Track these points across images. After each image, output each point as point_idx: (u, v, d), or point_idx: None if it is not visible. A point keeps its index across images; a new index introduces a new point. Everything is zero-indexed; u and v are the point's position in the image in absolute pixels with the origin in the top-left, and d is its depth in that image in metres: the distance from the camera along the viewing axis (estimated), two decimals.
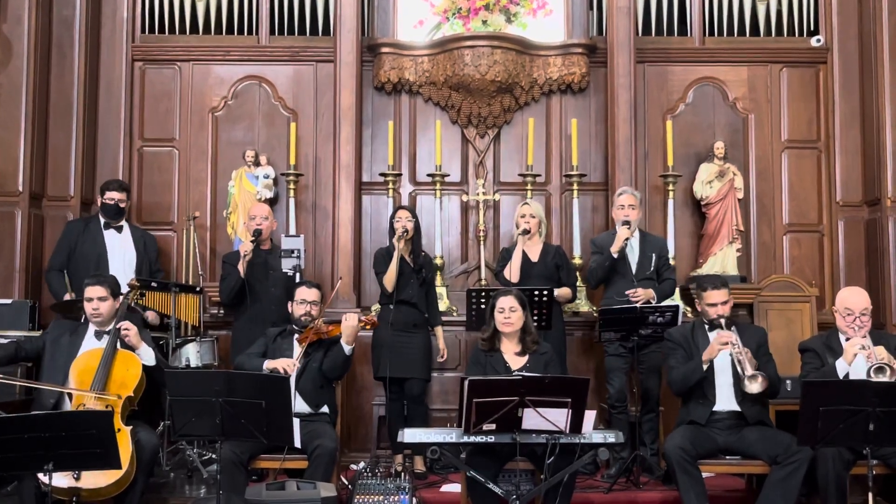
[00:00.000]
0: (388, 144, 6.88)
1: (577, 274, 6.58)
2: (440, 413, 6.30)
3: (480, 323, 5.62)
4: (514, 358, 4.87)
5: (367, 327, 5.11)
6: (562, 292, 5.90)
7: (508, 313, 4.82)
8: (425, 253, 5.99)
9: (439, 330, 5.99)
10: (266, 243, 6.04)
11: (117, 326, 4.80)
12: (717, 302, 4.86)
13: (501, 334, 4.88)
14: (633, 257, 5.77)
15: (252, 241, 5.84)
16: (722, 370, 4.83)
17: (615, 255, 5.65)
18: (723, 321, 4.79)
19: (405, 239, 5.67)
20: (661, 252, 5.87)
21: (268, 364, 4.99)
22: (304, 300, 5.17)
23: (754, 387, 4.58)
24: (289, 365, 4.93)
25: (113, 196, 6.19)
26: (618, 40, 6.94)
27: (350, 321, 4.96)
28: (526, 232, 5.83)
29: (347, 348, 5.00)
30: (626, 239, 5.66)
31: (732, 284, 5.56)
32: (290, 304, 5.27)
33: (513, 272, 5.74)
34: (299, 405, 4.91)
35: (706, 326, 4.97)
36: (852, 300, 4.79)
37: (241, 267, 5.77)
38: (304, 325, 5.10)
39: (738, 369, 4.66)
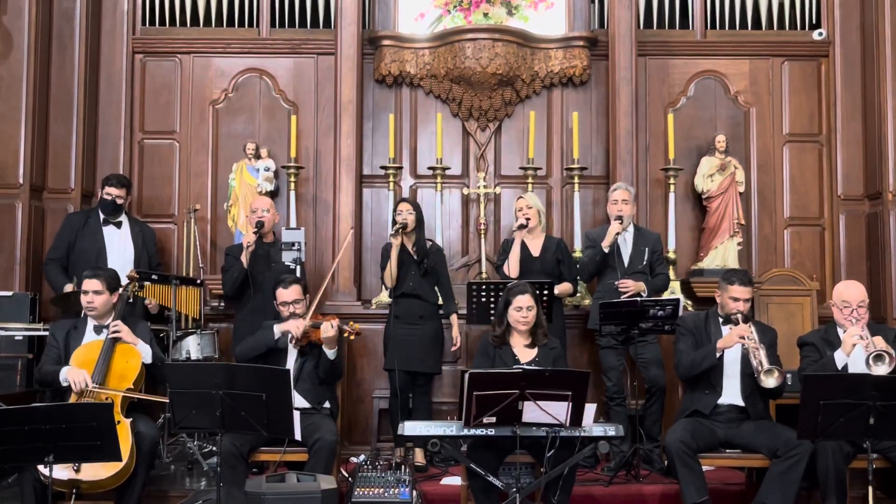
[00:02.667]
0: (388, 137, 6.87)
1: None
2: (442, 406, 6.30)
3: (481, 316, 5.62)
4: (523, 351, 4.88)
5: (351, 337, 5.04)
6: (562, 288, 5.88)
7: (526, 312, 4.82)
8: (433, 242, 5.98)
9: (454, 318, 5.93)
10: (268, 236, 6.04)
11: (109, 327, 4.79)
12: (740, 297, 4.84)
13: (514, 329, 4.88)
14: (626, 251, 5.80)
15: (255, 233, 5.84)
16: (731, 364, 4.84)
17: (606, 250, 5.68)
18: (740, 317, 4.79)
19: (402, 234, 5.66)
20: (654, 247, 5.88)
21: (278, 327, 5.01)
22: (284, 302, 5.11)
23: (770, 381, 4.57)
24: (298, 326, 4.94)
25: (111, 192, 6.17)
26: (619, 33, 6.94)
27: (326, 332, 4.90)
28: (523, 226, 5.82)
29: (330, 353, 4.97)
30: (618, 233, 5.67)
31: None
32: (274, 303, 5.23)
33: (511, 267, 5.75)
34: (300, 402, 4.91)
35: (720, 319, 4.97)
36: (849, 293, 4.80)
37: (244, 258, 5.77)
38: None
39: (754, 363, 4.64)
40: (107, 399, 4.51)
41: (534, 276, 5.65)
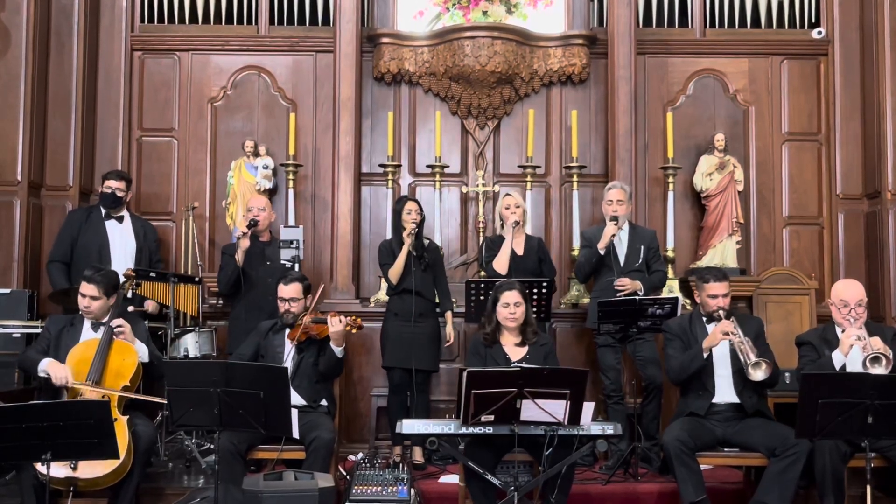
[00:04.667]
0: (387, 135, 6.87)
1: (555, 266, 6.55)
2: (439, 404, 6.29)
3: (480, 314, 5.61)
4: (514, 349, 4.87)
5: (353, 331, 5.05)
6: None
7: (514, 308, 4.82)
8: (430, 240, 6.00)
9: (449, 315, 5.93)
10: (265, 235, 6.05)
11: (111, 324, 4.78)
12: (717, 294, 4.87)
13: (503, 327, 4.87)
14: (622, 250, 5.79)
15: (246, 229, 5.83)
16: (721, 362, 4.84)
17: (601, 252, 5.68)
18: (722, 313, 4.80)
19: (415, 234, 5.67)
20: (650, 244, 5.88)
21: None
22: (281, 298, 5.11)
23: (758, 374, 4.58)
24: None
25: (111, 185, 6.18)
26: (618, 31, 6.93)
27: (335, 327, 4.90)
28: (517, 223, 5.81)
29: (338, 350, 4.97)
30: (613, 235, 5.66)
31: (732, 277, 5.55)
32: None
33: (502, 264, 5.75)
34: (296, 400, 4.89)
35: (704, 319, 4.97)
36: (847, 292, 4.79)
37: (238, 256, 5.77)
38: (287, 322, 5.08)
39: (741, 358, 4.66)
40: (104, 397, 4.50)
41: (518, 275, 5.63)
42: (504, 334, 4.90)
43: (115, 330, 4.76)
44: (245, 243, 5.79)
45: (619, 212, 5.77)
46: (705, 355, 4.78)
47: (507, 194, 6.11)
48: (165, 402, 4.25)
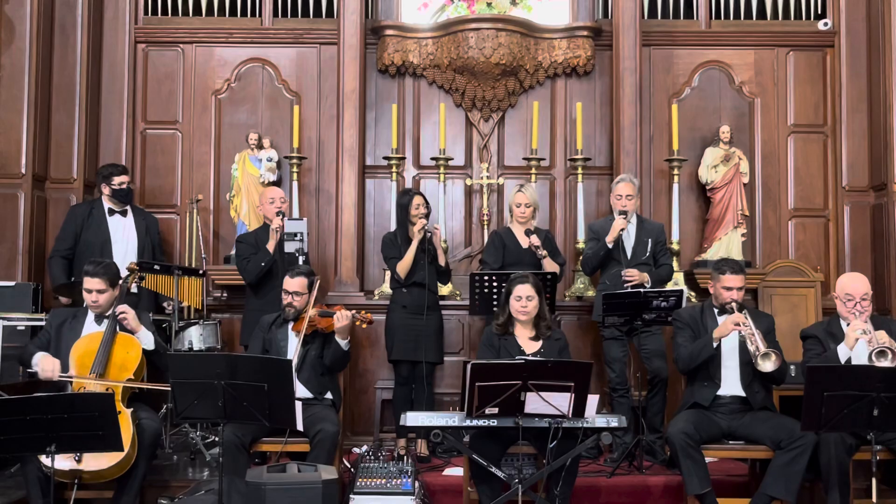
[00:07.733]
0: (391, 128, 6.86)
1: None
2: (444, 396, 6.30)
3: (484, 307, 5.62)
4: (528, 343, 4.86)
5: (364, 325, 5.04)
6: (553, 267, 5.80)
7: (525, 301, 4.81)
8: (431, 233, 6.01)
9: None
10: None
11: (115, 311, 4.78)
12: (732, 286, 4.84)
13: (516, 320, 4.87)
14: (629, 243, 5.78)
15: (280, 220, 5.83)
16: (729, 354, 4.82)
17: (609, 245, 5.66)
18: (734, 306, 4.78)
19: (425, 229, 5.68)
20: (657, 238, 5.86)
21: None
22: (285, 290, 5.09)
23: (768, 364, 4.56)
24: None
25: (123, 180, 6.21)
26: (623, 23, 6.90)
27: (341, 321, 4.90)
28: (537, 247, 5.71)
29: (343, 343, 4.97)
30: (622, 230, 5.64)
31: None
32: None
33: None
34: (302, 392, 4.90)
35: (716, 310, 4.95)
36: (852, 286, 4.77)
37: (271, 246, 5.77)
38: (289, 317, 5.07)
39: (751, 348, 4.63)
40: (108, 390, 4.50)
41: (524, 267, 5.60)
42: (518, 327, 4.88)
43: (119, 316, 4.76)
44: (277, 236, 5.79)
45: (629, 206, 5.75)
46: (715, 345, 4.76)
47: (521, 191, 5.95)
48: (170, 388, 4.24)
